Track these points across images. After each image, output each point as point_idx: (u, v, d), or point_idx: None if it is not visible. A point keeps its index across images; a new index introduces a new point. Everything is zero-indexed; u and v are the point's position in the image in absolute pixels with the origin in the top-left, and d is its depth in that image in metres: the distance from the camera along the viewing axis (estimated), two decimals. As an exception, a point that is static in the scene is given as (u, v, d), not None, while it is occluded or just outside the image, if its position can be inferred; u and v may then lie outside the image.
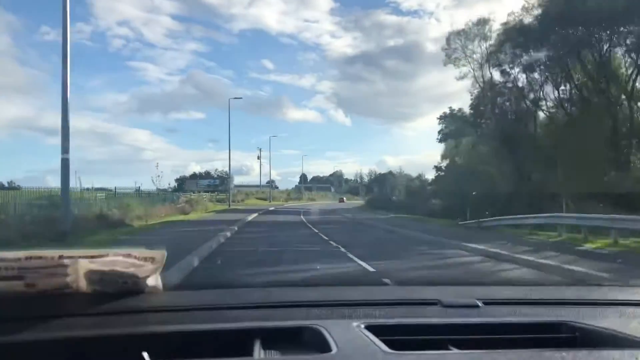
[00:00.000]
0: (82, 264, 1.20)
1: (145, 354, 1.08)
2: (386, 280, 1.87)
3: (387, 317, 1.28)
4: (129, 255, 1.27)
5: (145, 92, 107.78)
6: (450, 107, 38.12)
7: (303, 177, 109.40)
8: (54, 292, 1.20)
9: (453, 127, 36.22)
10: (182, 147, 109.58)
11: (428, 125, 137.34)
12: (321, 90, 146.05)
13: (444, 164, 36.91)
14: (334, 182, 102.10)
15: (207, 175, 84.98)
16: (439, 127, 38.55)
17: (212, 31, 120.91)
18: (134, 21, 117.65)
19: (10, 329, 1.18)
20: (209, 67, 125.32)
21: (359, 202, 78.83)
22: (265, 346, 1.14)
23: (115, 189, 25.14)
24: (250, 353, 1.10)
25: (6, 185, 19.30)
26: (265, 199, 69.55)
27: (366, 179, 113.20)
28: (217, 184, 73.91)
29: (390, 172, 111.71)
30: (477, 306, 1.35)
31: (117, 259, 1.25)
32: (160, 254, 1.31)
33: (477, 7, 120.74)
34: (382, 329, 1.19)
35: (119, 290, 1.27)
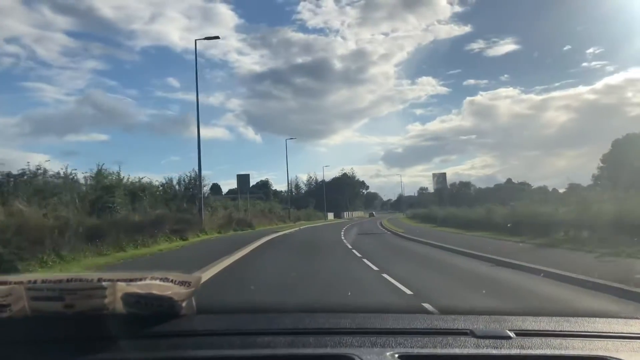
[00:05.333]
0: (120, 287, 1.23)
1: None
2: (422, 307, 1.83)
3: (419, 346, 1.31)
4: (165, 279, 1.31)
5: (41, 114, 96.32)
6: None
7: (215, 187, 65.09)
8: (91, 314, 1.21)
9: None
10: (85, 171, 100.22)
11: (340, 141, 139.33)
12: (231, 108, 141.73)
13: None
14: (261, 195, 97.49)
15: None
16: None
17: (112, 49, 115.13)
18: (24, 38, 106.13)
19: (48, 350, 1.19)
20: (111, 86, 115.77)
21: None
22: None
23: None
24: None
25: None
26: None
27: (304, 187, 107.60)
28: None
29: (345, 174, 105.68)
30: (510, 337, 1.36)
31: (154, 283, 1.29)
32: (196, 278, 1.32)
33: (380, 26, 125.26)
34: (415, 359, 1.24)
35: (154, 313, 1.29)
